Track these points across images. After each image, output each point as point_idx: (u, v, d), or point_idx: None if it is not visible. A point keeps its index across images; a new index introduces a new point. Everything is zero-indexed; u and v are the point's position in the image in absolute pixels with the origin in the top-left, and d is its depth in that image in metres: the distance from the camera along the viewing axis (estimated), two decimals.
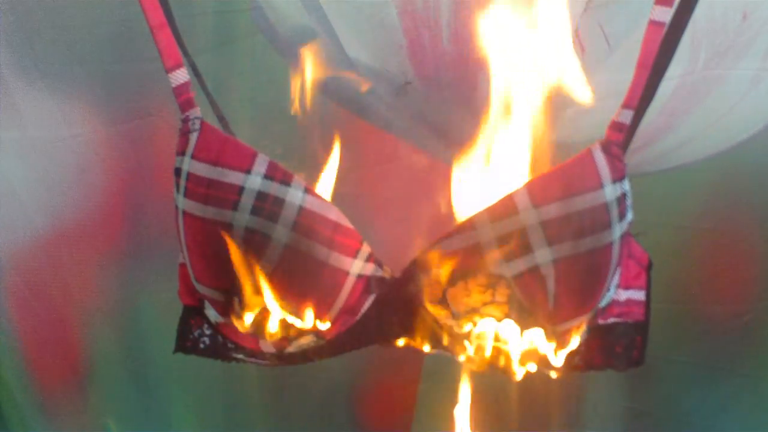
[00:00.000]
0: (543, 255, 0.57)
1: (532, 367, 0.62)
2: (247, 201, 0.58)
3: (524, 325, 0.60)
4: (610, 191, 0.57)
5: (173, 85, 0.60)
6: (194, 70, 0.63)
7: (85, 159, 0.80)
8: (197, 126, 0.60)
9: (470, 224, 0.58)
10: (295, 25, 0.70)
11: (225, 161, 0.59)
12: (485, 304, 0.59)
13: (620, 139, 0.58)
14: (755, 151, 0.77)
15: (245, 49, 0.83)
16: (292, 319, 0.61)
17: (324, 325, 0.61)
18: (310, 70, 0.69)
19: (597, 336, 0.64)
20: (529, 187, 0.57)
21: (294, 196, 0.58)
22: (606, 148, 0.58)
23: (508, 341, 0.61)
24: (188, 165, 0.59)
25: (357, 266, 0.60)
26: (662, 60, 0.57)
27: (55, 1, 0.73)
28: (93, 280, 0.86)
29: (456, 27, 0.65)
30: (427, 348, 0.63)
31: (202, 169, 0.59)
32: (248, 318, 0.62)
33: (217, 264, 0.61)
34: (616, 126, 0.58)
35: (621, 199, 0.58)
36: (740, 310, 0.85)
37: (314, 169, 0.64)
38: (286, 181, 0.58)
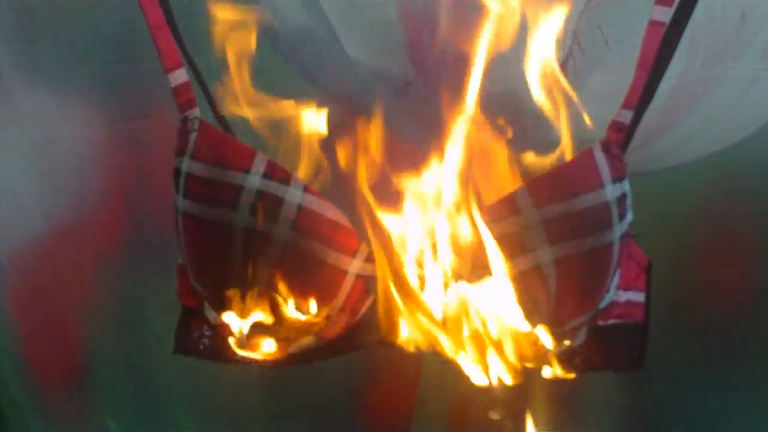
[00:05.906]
0: (544, 254, 0.57)
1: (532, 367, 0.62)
2: (246, 200, 0.58)
3: (525, 325, 0.60)
4: (611, 191, 0.57)
5: (172, 86, 0.60)
6: (194, 70, 0.63)
7: (85, 159, 0.80)
8: (196, 126, 0.60)
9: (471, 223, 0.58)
10: (295, 25, 0.70)
11: (224, 161, 0.59)
12: None
13: (620, 138, 0.58)
14: (754, 150, 0.77)
15: None
16: (293, 314, 0.61)
17: (325, 318, 0.61)
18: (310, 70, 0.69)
19: (597, 337, 0.64)
20: (530, 186, 0.57)
21: (293, 195, 0.58)
22: (606, 147, 0.58)
23: (509, 340, 0.61)
24: (187, 165, 0.59)
25: (356, 266, 0.60)
26: (662, 60, 0.57)
27: (56, 1, 0.73)
28: (92, 281, 0.86)
29: (456, 27, 0.65)
30: (426, 350, 0.63)
31: (201, 169, 0.59)
32: (248, 322, 0.62)
33: (216, 264, 0.61)
34: (616, 126, 0.59)
35: (621, 199, 0.58)
36: (739, 311, 0.85)
37: (314, 169, 0.64)
38: (285, 180, 0.58)
